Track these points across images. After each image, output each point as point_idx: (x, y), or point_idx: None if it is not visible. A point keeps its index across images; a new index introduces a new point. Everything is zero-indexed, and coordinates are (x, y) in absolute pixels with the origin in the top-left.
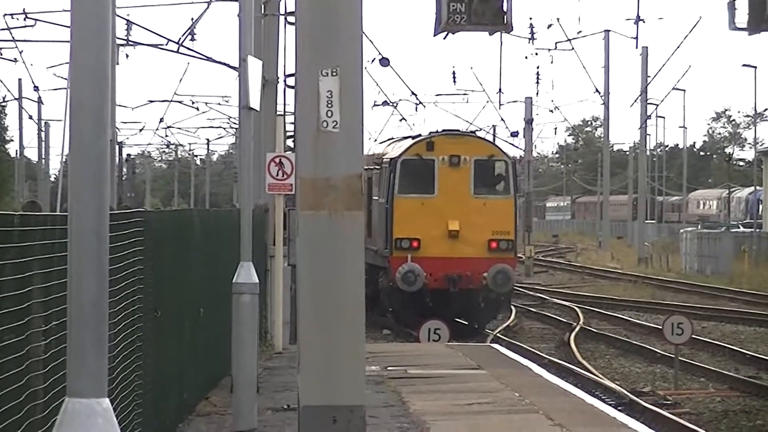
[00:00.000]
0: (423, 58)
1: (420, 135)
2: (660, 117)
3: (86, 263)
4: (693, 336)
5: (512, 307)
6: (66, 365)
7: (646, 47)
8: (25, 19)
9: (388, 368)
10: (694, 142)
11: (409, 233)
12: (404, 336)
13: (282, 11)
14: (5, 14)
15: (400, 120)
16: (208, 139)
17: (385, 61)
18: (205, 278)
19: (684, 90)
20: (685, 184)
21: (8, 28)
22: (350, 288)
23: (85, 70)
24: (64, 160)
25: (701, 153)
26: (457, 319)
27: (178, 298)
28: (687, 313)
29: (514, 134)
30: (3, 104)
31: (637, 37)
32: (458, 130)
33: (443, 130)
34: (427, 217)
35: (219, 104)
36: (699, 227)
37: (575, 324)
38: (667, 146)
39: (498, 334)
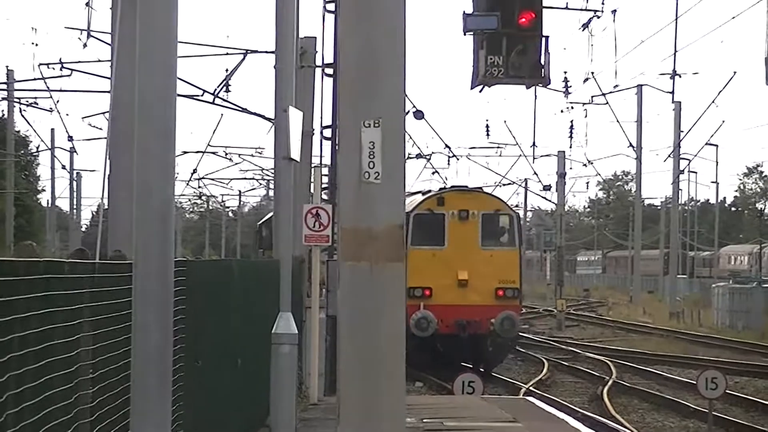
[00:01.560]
0: (456, 111)
1: (430, 191)
2: (692, 172)
3: (152, 309)
4: (726, 391)
5: (544, 360)
6: (112, 413)
7: (680, 102)
8: (61, 69)
9: (424, 420)
10: (725, 197)
11: (421, 282)
12: (437, 388)
13: (318, 63)
14: (41, 64)
15: (433, 173)
16: (240, 191)
17: (419, 114)
18: (243, 328)
19: (716, 145)
20: (717, 239)
21: (43, 78)
22: (391, 339)
23: (151, 119)
24: (100, 208)
25: (732, 208)
26: (464, 363)
27: (217, 348)
28: (719, 368)
29: (547, 188)
30: (36, 154)
31: (672, 92)
32: (466, 187)
33: (452, 187)
34: (438, 268)
35: (252, 155)
36: (731, 282)
37: (608, 378)
38: (699, 201)
39: (530, 388)
